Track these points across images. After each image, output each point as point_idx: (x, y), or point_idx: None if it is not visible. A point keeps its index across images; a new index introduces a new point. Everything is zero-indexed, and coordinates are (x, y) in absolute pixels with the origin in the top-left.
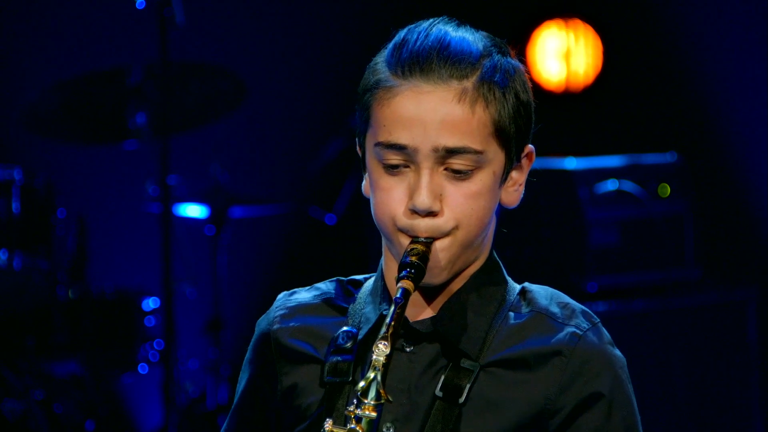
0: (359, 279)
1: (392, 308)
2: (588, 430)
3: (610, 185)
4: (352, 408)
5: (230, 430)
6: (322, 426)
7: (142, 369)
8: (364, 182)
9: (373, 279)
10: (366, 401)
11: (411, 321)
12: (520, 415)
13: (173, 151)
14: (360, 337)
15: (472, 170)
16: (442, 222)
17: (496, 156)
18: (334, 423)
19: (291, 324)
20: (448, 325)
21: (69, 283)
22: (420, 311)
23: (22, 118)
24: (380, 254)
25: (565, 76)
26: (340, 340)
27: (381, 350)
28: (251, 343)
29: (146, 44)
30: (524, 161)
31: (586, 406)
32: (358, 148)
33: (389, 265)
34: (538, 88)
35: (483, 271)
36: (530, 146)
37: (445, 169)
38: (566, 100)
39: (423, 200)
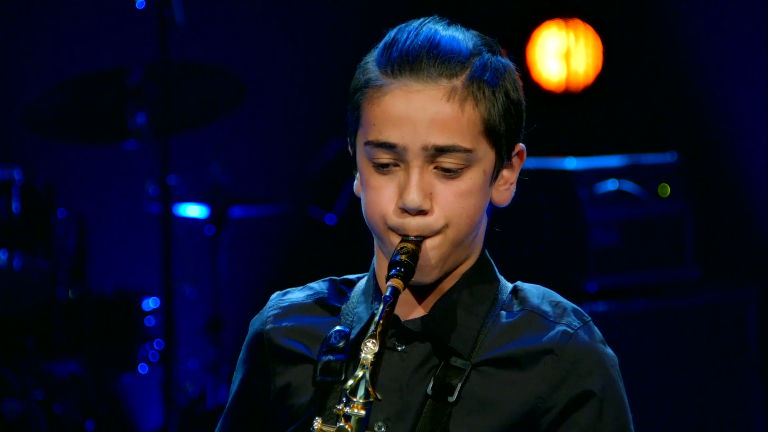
0: (352, 278)
1: (381, 307)
2: (579, 428)
3: (610, 185)
4: (341, 407)
5: (224, 430)
6: (312, 425)
7: (142, 369)
8: (355, 181)
9: (365, 279)
10: (355, 400)
11: (403, 320)
12: (511, 413)
13: (173, 151)
14: (352, 336)
15: (462, 169)
16: (432, 220)
17: (486, 154)
18: (325, 422)
19: (284, 324)
20: (439, 324)
21: (69, 283)
22: (411, 310)
23: (22, 118)
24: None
25: (565, 76)
26: (333, 339)
27: (369, 348)
28: (245, 343)
29: (146, 44)
30: (515, 160)
31: (577, 404)
32: (349, 148)
33: (381, 264)
34: (538, 88)
35: (475, 270)
36: (521, 145)
37: (435, 167)
38: (566, 100)
39: (413, 199)
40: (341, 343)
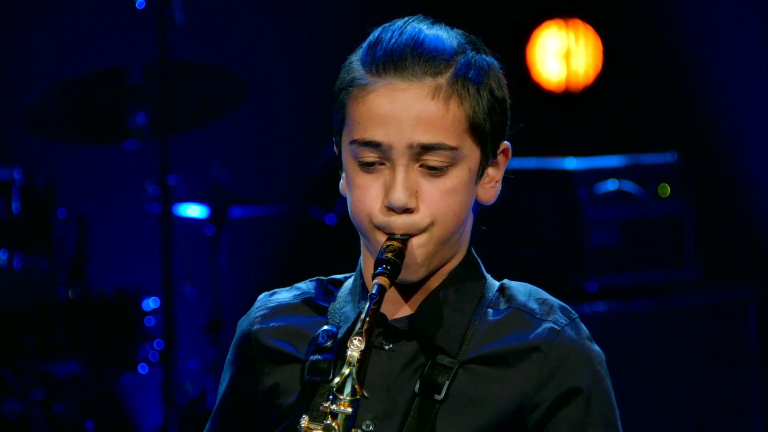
0: (339, 278)
1: (367, 304)
2: (567, 424)
3: (610, 185)
4: (327, 404)
5: (213, 430)
6: (299, 423)
7: (142, 369)
8: (341, 181)
9: (352, 278)
10: (342, 397)
11: (390, 319)
12: (499, 411)
13: (173, 151)
14: (340, 335)
15: (447, 167)
16: (418, 218)
17: (471, 152)
18: (312, 420)
19: (271, 324)
20: (426, 322)
21: (69, 283)
22: (398, 309)
23: (22, 118)
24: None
25: (565, 76)
26: (321, 339)
27: (356, 346)
28: (232, 344)
29: (146, 44)
30: (500, 158)
31: (564, 401)
32: (334, 148)
33: (367, 263)
34: (538, 88)
35: (461, 268)
36: (506, 143)
37: (421, 165)
38: (566, 100)
39: (399, 197)
40: (329, 343)
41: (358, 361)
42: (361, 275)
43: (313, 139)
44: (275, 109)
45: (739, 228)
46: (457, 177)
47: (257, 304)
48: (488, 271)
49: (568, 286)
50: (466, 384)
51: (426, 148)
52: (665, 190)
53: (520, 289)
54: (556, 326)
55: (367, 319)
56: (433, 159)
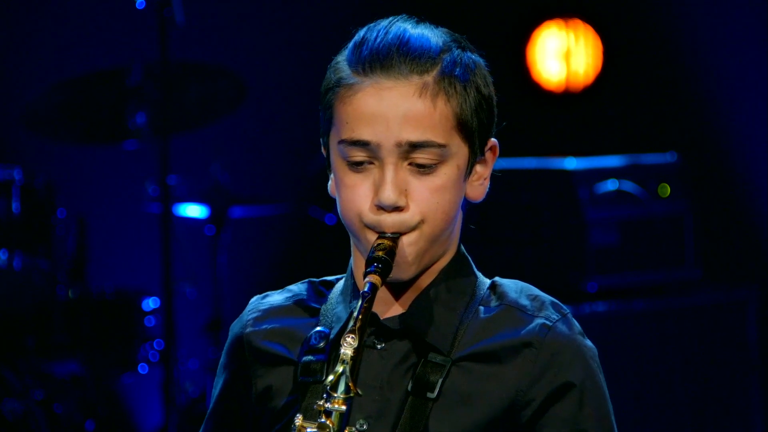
0: (331, 279)
1: (359, 302)
2: (560, 420)
3: (610, 185)
4: (321, 402)
5: None
6: (293, 423)
7: (142, 369)
8: (330, 182)
9: (344, 279)
10: (335, 395)
11: (381, 318)
12: (492, 408)
13: (173, 151)
14: (332, 336)
15: (436, 164)
16: (408, 217)
17: (459, 150)
18: (306, 419)
19: (264, 326)
20: (418, 320)
21: (69, 283)
22: (390, 308)
23: (22, 118)
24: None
25: (565, 76)
26: (313, 340)
27: (349, 344)
28: (225, 347)
29: (146, 44)
30: (488, 155)
31: (557, 396)
32: (322, 149)
33: (358, 263)
34: (538, 88)
35: (452, 266)
36: (494, 140)
37: (410, 164)
38: (566, 100)
39: (388, 195)
40: (321, 344)
41: (352, 358)
42: (351, 276)
43: (314, 139)
44: (275, 109)
45: (738, 228)
46: (445, 174)
47: (249, 307)
48: (488, 271)
49: (568, 286)
50: (459, 382)
51: (414, 146)
52: (665, 190)
53: (511, 286)
54: (547, 322)
55: (360, 317)
56: (421, 157)
